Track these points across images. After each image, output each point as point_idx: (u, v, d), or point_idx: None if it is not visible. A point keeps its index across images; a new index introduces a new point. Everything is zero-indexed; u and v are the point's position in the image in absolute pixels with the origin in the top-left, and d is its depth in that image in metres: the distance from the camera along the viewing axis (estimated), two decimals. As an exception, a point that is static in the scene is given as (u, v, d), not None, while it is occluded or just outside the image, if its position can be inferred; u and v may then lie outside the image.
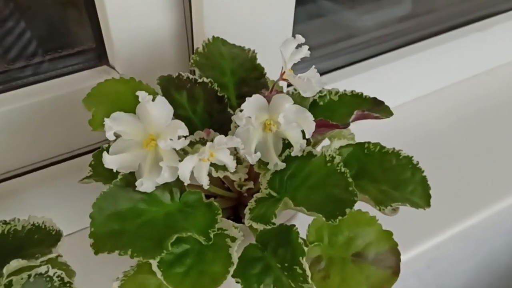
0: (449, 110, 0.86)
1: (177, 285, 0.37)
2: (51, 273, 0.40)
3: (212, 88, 0.47)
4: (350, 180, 0.37)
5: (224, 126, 0.47)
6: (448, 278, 1.11)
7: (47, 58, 0.58)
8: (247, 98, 0.40)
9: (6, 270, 0.37)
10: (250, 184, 0.46)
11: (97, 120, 0.45)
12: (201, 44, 0.51)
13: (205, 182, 0.39)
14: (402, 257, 0.42)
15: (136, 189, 0.38)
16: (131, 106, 0.40)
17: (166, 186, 0.40)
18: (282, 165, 0.42)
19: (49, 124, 0.57)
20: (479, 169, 0.76)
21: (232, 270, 0.38)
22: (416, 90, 0.86)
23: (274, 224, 0.38)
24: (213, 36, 0.53)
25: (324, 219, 0.36)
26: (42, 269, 0.40)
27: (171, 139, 0.36)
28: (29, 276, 0.39)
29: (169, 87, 0.47)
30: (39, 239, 0.42)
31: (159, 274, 0.37)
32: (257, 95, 0.41)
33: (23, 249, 0.41)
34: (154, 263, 0.37)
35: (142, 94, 0.37)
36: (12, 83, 0.56)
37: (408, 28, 0.84)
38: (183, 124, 0.37)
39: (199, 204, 0.41)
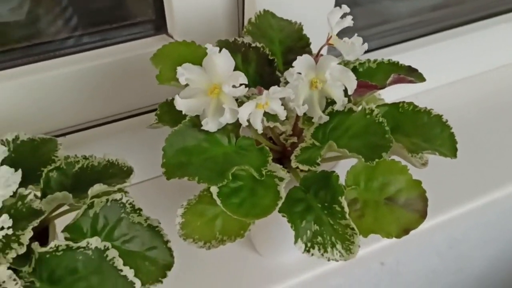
0: (477, 98, 0.90)
1: (233, 212, 0.43)
2: (124, 200, 0.47)
3: (264, 52, 0.53)
4: (387, 128, 0.43)
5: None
6: (468, 262, 1.15)
7: (114, 26, 0.65)
8: (298, 57, 0.46)
9: (90, 191, 0.44)
10: (294, 139, 0.52)
11: (163, 75, 0.51)
12: (253, 16, 0.57)
13: (259, 127, 0.45)
14: (425, 225, 0.47)
15: (202, 128, 0.45)
16: (191, 63, 0.47)
17: (224, 131, 0.46)
18: (326, 118, 0.47)
19: (116, 83, 0.64)
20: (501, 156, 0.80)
21: (280, 203, 0.44)
22: (446, 76, 0.90)
23: (318, 164, 0.44)
24: (264, 9, 0.59)
25: (363, 160, 0.41)
26: (117, 196, 0.46)
27: (234, 86, 0.42)
28: (107, 200, 0.46)
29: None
30: (113, 173, 0.49)
31: (218, 202, 0.43)
32: (307, 55, 0.47)
33: (99, 181, 0.47)
34: (214, 192, 0.43)
35: (210, 47, 0.43)
36: (84, 46, 0.63)
37: (439, 17, 0.89)
38: (243, 74, 0.44)
39: (252, 148, 0.47)
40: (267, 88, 0.53)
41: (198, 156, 0.44)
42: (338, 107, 0.47)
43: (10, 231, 0.39)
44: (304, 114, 0.50)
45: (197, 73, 0.44)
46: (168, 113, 0.52)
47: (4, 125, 0.60)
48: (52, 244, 0.41)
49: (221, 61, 0.43)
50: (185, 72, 0.43)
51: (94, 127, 0.66)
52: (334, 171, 0.47)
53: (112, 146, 0.65)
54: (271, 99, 0.44)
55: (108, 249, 0.42)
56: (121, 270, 0.41)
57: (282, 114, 0.46)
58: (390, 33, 0.86)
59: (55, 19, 0.65)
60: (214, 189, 0.43)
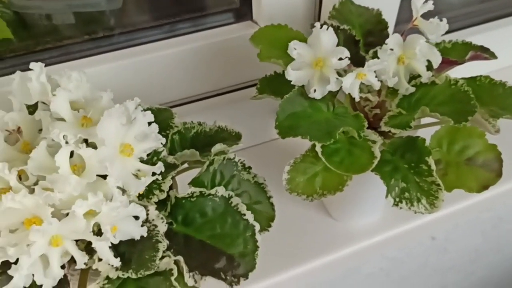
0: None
1: (336, 168, 0.50)
2: (236, 159, 0.54)
3: (350, 33, 0.60)
4: (472, 96, 0.49)
5: (357, 65, 0.60)
6: (509, 243, 1.20)
7: (203, 14, 0.72)
8: (390, 35, 0.53)
9: (213, 150, 0.51)
10: (377, 110, 0.59)
11: (263, 54, 0.58)
12: (337, 2, 0.64)
13: (357, 95, 0.52)
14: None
15: (309, 95, 0.52)
16: (284, 44, 0.55)
17: (324, 100, 0.53)
18: (412, 89, 0.54)
19: (210, 63, 0.71)
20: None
21: (375, 162, 0.51)
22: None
23: (411, 127, 0.50)
24: (344, -3, 0.65)
25: (452, 122, 0.48)
26: (231, 155, 0.54)
27: (340, 59, 0.49)
28: (224, 158, 0.53)
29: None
30: (223, 137, 0.56)
31: (323, 159, 0.50)
32: (397, 34, 0.53)
33: (212, 144, 0.55)
34: (319, 151, 0.50)
35: (317, 25, 0.50)
36: (179, 31, 0.70)
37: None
38: (346, 49, 0.50)
39: (347, 115, 0.54)
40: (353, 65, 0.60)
41: (306, 119, 0.51)
42: (424, 79, 0.54)
43: (160, 177, 0.46)
44: (388, 87, 0.56)
45: (304, 48, 0.51)
46: (267, 86, 0.59)
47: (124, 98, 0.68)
48: (189, 191, 0.48)
49: (327, 38, 0.51)
50: (296, 47, 0.50)
51: (197, 100, 0.74)
52: (419, 136, 0.53)
53: (216, 117, 0.72)
54: (369, 71, 0.51)
55: (232, 197, 0.49)
56: (244, 214, 0.48)
57: (376, 84, 0.52)
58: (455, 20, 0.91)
59: (151, 8, 0.73)
60: (318, 149, 0.50)
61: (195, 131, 0.56)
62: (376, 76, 0.53)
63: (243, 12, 0.73)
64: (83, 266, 0.41)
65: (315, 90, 0.51)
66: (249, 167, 0.54)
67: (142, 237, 0.44)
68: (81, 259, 0.41)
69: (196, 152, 0.51)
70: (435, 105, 0.52)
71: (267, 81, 0.59)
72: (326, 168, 0.53)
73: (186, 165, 0.55)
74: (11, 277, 0.42)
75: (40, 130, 0.48)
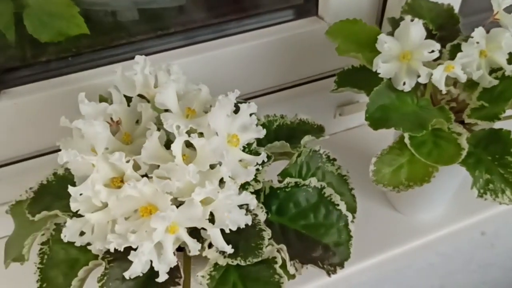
0: None
1: (426, 159, 0.51)
2: (321, 151, 0.55)
3: (427, 27, 0.61)
4: None
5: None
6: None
7: (268, 10, 0.73)
8: (475, 29, 0.53)
9: (303, 141, 0.52)
10: (453, 104, 0.60)
11: (341, 48, 0.59)
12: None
13: (443, 87, 0.53)
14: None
15: (398, 88, 0.52)
16: (360, 38, 0.56)
17: (409, 93, 0.54)
18: (495, 82, 0.55)
19: (275, 58, 0.72)
20: None
21: (464, 154, 0.51)
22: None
23: (499, 119, 0.51)
24: (415, -7, 0.66)
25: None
26: (317, 147, 0.55)
27: (431, 51, 0.50)
28: (310, 150, 0.54)
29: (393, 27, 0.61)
30: (306, 130, 0.57)
31: (413, 150, 0.51)
32: (481, 27, 0.54)
33: (294, 137, 0.56)
34: (408, 143, 0.51)
35: (407, 17, 0.51)
36: (246, 27, 0.71)
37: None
38: (434, 42, 0.51)
39: (431, 107, 0.55)
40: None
41: (395, 111, 0.52)
42: (507, 72, 0.54)
43: (260, 167, 0.47)
44: (466, 81, 0.57)
45: (392, 41, 0.52)
46: (345, 79, 0.60)
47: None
48: (285, 181, 0.49)
49: (416, 31, 0.51)
50: (386, 40, 0.51)
51: (263, 95, 0.75)
52: (502, 128, 0.54)
53: (281, 110, 0.73)
54: (456, 64, 0.52)
55: (324, 187, 0.50)
56: (338, 205, 0.49)
57: (462, 77, 0.53)
58: None
59: (217, 4, 0.74)
60: (407, 141, 0.51)
61: (278, 124, 0.57)
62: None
63: (307, 8, 0.75)
64: (197, 253, 0.42)
65: (404, 83, 0.52)
66: (334, 159, 0.55)
67: (246, 225, 0.45)
68: (195, 246, 0.42)
69: (286, 143, 0.52)
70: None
71: (345, 75, 0.60)
72: (411, 160, 0.54)
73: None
74: (121, 266, 0.43)
75: (136, 122, 0.50)
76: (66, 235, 0.43)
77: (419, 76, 0.53)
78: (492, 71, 0.57)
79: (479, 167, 0.53)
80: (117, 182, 0.43)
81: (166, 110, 0.46)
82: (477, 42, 0.53)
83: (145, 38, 0.69)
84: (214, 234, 0.42)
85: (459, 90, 0.59)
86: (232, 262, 0.44)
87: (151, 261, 0.41)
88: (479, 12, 0.83)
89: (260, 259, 0.44)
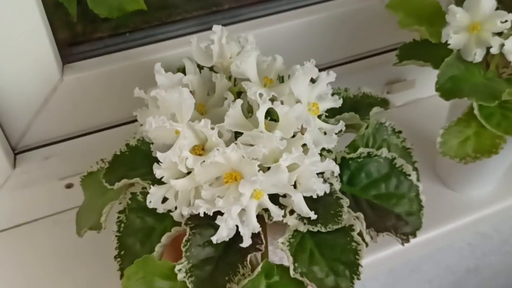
0: None
1: (496, 129, 0.53)
2: (386, 124, 0.55)
3: None
4: None
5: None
6: None
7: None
8: None
9: (371, 113, 0.52)
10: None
11: (403, 21, 0.60)
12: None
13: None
14: None
15: (468, 59, 0.53)
16: (421, 12, 0.56)
17: (476, 64, 0.54)
18: None
19: (330, 34, 0.72)
20: None
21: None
22: None
23: None
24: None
25: None
26: (383, 120, 0.55)
27: (503, 21, 0.50)
28: (376, 122, 0.54)
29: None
30: (370, 103, 0.57)
31: (483, 121, 0.51)
32: None
33: (358, 110, 0.56)
34: (477, 114, 0.51)
35: None
36: (300, 3, 0.72)
37: None
38: (505, 12, 0.51)
39: (498, 79, 0.55)
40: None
41: (465, 82, 0.52)
42: None
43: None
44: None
45: (462, 12, 0.52)
46: (407, 53, 0.60)
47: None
48: (358, 151, 0.50)
49: (487, 2, 0.51)
50: (457, 11, 0.51)
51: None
52: None
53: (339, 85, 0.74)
54: None
55: (395, 158, 0.50)
56: (409, 175, 0.50)
57: None
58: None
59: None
60: (476, 112, 0.52)
61: (341, 97, 0.57)
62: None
63: None
64: (280, 219, 0.43)
65: (475, 54, 0.52)
66: (399, 131, 0.55)
67: (324, 194, 0.45)
68: (278, 212, 0.42)
69: (355, 115, 0.52)
70: None
71: (406, 48, 0.60)
72: (478, 132, 0.54)
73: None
74: (201, 233, 0.44)
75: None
76: (152, 201, 0.43)
77: (489, 47, 0.53)
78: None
79: None
80: (199, 150, 0.44)
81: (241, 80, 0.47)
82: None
83: (200, 14, 0.69)
84: (298, 200, 0.42)
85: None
86: (313, 228, 0.44)
87: (237, 226, 0.42)
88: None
89: (339, 226, 0.44)
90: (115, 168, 0.50)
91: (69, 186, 0.66)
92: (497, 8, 0.58)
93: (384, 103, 0.57)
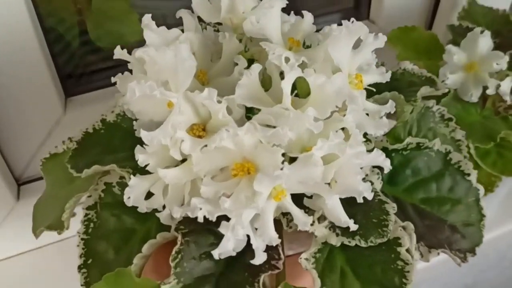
0: None
1: (491, 169, 0.54)
2: (434, 108, 0.44)
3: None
4: None
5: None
6: None
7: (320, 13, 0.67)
8: None
9: (419, 93, 0.41)
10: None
11: (401, 55, 0.60)
12: (465, 4, 0.65)
13: (509, 98, 0.53)
14: None
15: (465, 99, 0.55)
16: (419, 45, 0.60)
17: (473, 104, 0.55)
18: None
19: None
20: None
21: None
22: None
23: None
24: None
25: None
26: (430, 103, 0.44)
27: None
28: (422, 106, 0.43)
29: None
30: (413, 82, 0.45)
31: (479, 161, 0.53)
32: None
33: (398, 89, 0.44)
34: (473, 154, 0.53)
35: (477, 30, 0.51)
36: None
37: None
38: (502, 54, 0.51)
39: (494, 118, 0.56)
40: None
41: (462, 122, 0.47)
42: None
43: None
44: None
45: (460, 52, 0.53)
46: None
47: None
48: (405, 141, 0.38)
49: (484, 42, 0.52)
50: (455, 52, 0.53)
51: None
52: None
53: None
54: None
55: (450, 152, 0.39)
56: (468, 174, 0.38)
57: None
58: None
59: None
60: (473, 151, 0.53)
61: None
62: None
63: (357, 12, 0.73)
64: (306, 228, 0.31)
65: (471, 94, 0.53)
66: (450, 119, 0.44)
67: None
68: (305, 219, 0.31)
69: (399, 95, 0.40)
70: None
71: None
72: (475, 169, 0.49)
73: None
74: (198, 242, 0.33)
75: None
76: (131, 196, 0.32)
77: (485, 87, 0.53)
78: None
79: None
80: (199, 130, 0.32)
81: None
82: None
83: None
84: (333, 204, 0.31)
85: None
86: (350, 242, 0.33)
87: (248, 236, 0.30)
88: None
89: (385, 239, 0.33)
90: (85, 150, 0.38)
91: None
92: (494, 47, 0.55)
93: (429, 82, 0.45)
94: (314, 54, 0.33)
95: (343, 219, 0.31)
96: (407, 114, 0.41)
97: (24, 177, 0.63)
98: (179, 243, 0.32)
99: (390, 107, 0.34)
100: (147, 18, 0.36)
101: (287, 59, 0.31)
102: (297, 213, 0.31)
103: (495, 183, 0.56)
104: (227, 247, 0.30)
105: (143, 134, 0.29)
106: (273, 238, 0.31)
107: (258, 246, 0.30)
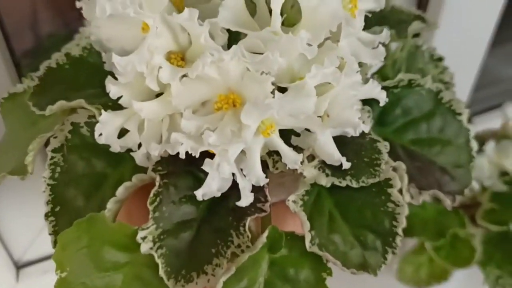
0: None
1: (444, 261, 0.59)
2: (424, 47, 0.42)
3: None
4: None
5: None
6: None
7: None
8: (487, 144, 0.59)
9: (410, 29, 0.38)
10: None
11: None
12: None
13: None
14: None
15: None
16: None
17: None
18: (504, 188, 0.58)
19: None
20: None
21: (476, 256, 0.57)
22: None
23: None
24: None
25: None
26: (420, 42, 0.41)
27: None
28: (412, 45, 0.41)
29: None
30: (400, 20, 0.43)
31: (433, 254, 0.58)
32: (492, 143, 0.59)
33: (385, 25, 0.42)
34: (428, 247, 0.59)
35: None
36: None
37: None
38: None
39: (448, 212, 0.58)
40: None
41: (416, 217, 0.57)
42: None
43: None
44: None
45: None
46: None
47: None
48: (397, 78, 0.36)
49: None
50: None
51: None
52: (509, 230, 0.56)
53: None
54: None
55: (441, 91, 0.37)
56: (459, 114, 0.37)
57: (477, 187, 0.59)
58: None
59: None
60: (427, 246, 0.58)
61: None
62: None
63: None
64: (296, 167, 0.29)
65: None
66: (439, 59, 0.42)
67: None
68: (295, 157, 0.29)
69: (391, 31, 0.38)
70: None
71: None
72: (431, 259, 0.60)
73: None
74: (177, 184, 0.30)
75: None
76: (103, 133, 0.28)
77: None
78: (503, 172, 0.60)
79: (490, 263, 0.57)
80: (177, 59, 0.29)
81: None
82: (489, 155, 0.59)
83: None
84: (326, 140, 0.28)
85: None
86: (340, 182, 0.31)
87: (233, 176, 0.28)
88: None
89: (377, 179, 0.31)
90: (48, 87, 0.34)
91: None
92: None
93: (418, 19, 0.43)
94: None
95: (336, 156, 0.29)
96: (397, 51, 0.39)
97: (24, 260, 0.62)
98: (157, 185, 0.29)
99: (385, 36, 0.32)
100: None
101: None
102: (287, 151, 0.28)
103: (449, 273, 0.61)
104: (212, 187, 0.27)
105: (116, 60, 0.26)
106: (261, 177, 0.28)
107: (245, 186, 0.28)
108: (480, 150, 0.58)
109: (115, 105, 0.30)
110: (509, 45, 0.82)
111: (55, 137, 0.33)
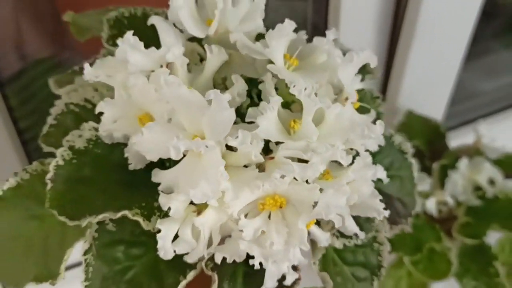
0: None
1: (422, 275, 0.63)
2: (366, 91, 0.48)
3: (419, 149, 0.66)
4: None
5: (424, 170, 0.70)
6: None
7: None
8: (460, 161, 0.65)
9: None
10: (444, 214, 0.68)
11: None
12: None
13: (436, 213, 0.65)
14: None
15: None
16: None
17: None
18: (477, 202, 0.65)
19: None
20: None
21: (452, 269, 0.62)
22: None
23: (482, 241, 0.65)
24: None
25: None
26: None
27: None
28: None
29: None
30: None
31: (410, 268, 0.63)
32: (465, 159, 0.66)
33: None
34: (406, 262, 0.64)
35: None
36: None
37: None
38: (425, 176, 0.66)
39: (426, 226, 0.66)
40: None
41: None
42: (489, 194, 0.64)
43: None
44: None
45: None
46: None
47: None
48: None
49: None
50: None
51: None
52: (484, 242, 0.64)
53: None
54: (445, 193, 0.64)
55: (392, 135, 0.45)
56: (406, 153, 0.45)
57: (451, 203, 0.64)
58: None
59: None
60: (406, 260, 0.62)
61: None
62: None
63: None
64: (326, 244, 0.35)
65: None
66: (377, 97, 0.49)
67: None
68: (325, 236, 0.34)
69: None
70: (503, 218, 0.62)
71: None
72: (409, 272, 0.64)
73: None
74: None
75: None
76: (163, 245, 0.30)
77: None
78: (477, 187, 0.67)
79: (467, 275, 0.64)
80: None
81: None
82: (462, 171, 0.64)
83: None
84: (350, 222, 0.34)
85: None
86: (349, 242, 0.37)
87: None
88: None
89: (374, 232, 0.38)
90: (65, 189, 0.33)
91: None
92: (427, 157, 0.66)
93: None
94: (318, 76, 0.33)
95: (355, 230, 0.35)
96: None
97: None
98: (215, 284, 0.32)
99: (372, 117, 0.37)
100: (129, 36, 0.31)
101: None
102: (319, 234, 0.34)
103: (428, 285, 0.64)
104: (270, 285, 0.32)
105: (192, 193, 0.28)
106: (301, 260, 0.33)
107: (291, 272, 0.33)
108: (454, 167, 0.64)
109: (148, 206, 0.32)
110: (483, 59, 0.87)
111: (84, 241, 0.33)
